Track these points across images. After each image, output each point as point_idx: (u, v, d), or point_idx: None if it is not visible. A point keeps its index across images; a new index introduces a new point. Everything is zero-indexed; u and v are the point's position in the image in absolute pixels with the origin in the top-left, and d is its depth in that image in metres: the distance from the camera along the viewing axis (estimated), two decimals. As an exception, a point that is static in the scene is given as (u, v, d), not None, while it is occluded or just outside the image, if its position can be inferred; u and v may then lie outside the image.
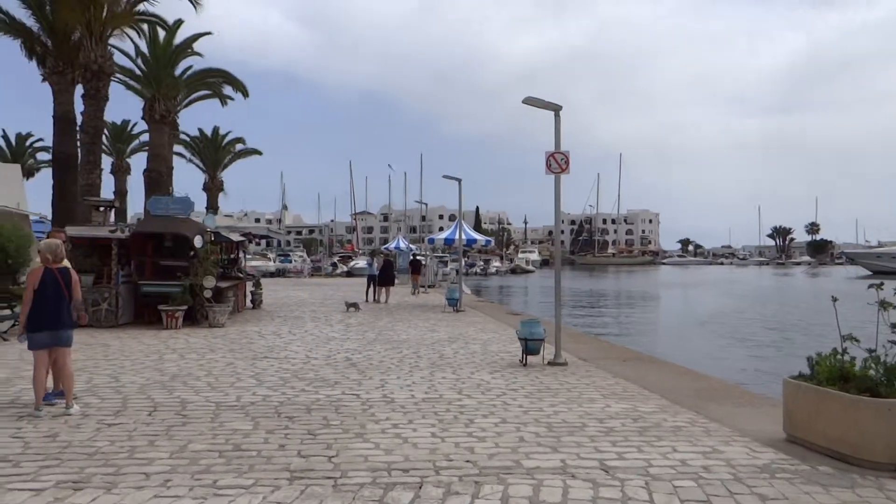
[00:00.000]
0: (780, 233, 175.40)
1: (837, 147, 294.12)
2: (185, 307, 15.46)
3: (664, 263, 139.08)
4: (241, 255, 21.56)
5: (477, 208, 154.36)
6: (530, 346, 10.95)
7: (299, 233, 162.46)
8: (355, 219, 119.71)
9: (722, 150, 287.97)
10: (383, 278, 25.10)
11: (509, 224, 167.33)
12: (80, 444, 6.02)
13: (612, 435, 6.68)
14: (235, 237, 18.76)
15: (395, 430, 6.69)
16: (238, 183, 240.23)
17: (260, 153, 51.06)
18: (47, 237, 7.51)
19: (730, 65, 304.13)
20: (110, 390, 8.41)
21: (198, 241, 15.79)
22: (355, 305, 20.58)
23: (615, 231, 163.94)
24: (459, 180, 21.87)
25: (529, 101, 11.18)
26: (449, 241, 24.49)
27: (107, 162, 47.68)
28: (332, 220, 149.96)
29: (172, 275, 16.12)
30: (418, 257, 33.82)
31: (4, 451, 5.78)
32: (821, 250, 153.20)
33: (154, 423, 6.83)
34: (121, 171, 45.75)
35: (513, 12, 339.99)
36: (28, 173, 47.27)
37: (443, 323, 17.55)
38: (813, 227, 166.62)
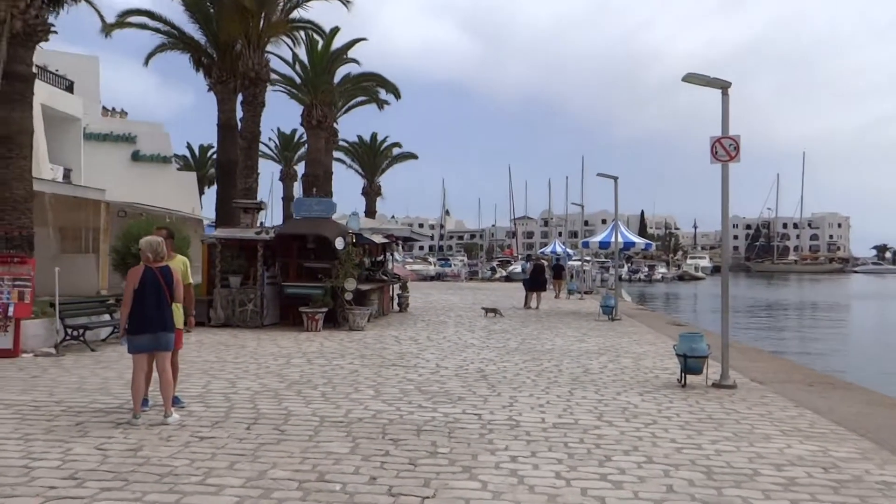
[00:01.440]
0: None
1: None
2: (325, 309, 15.20)
3: (856, 272, 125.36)
4: (387, 257, 21.29)
5: (642, 212, 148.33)
6: (690, 365, 9.32)
7: (461, 237, 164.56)
8: (515, 223, 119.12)
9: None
10: (534, 283, 23.90)
11: (677, 229, 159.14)
12: (158, 462, 5.42)
13: (794, 490, 5.11)
14: (378, 239, 18.41)
15: (511, 466, 5.53)
16: (402, 190, 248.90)
17: (416, 157, 51.74)
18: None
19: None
20: (221, 397, 7.95)
21: (339, 243, 15.48)
22: (495, 311, 19.63)
23: (797, 236, 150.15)
24: (616, 178, 20.20)
25: (691, 79, 9.57)
26: (604, 245, 22.81)
27: (276, 169, 50.51)
28: (492, 225, 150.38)
29: (315, 277, 15.97)
30: (560, 262, 32.97)
31: (79, 466, 5.29)
32: None
33: (247, 439, 6.16)
34: (289, 178, 48.08)
35: (679, 9, 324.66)
36: (210, 181, 50.93)
37: (594, 332, 16.06)
38: None
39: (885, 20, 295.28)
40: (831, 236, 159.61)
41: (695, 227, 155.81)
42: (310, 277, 16.10)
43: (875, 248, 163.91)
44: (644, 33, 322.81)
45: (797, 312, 38.94)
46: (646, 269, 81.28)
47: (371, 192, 49.26)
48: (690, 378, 9.40)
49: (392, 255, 23.18)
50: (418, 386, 8.92)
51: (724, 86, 9.34)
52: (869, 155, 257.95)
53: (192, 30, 23.93)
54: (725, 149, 9.15)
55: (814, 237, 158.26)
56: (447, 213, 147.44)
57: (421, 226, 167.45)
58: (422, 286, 39.78)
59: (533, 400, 8.17)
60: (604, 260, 55.50)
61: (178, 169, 44.86)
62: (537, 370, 10.40)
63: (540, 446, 6.15)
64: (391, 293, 20.74)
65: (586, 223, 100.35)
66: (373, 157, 48.83)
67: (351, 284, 15.52)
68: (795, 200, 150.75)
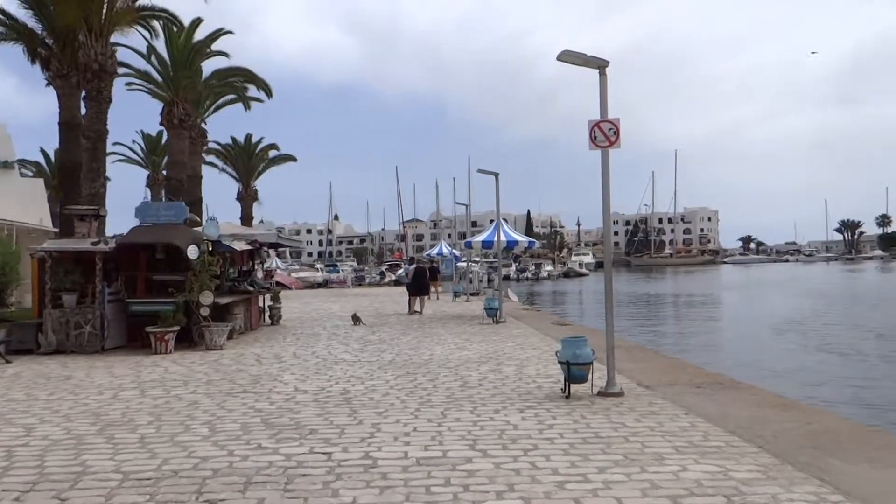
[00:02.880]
0: (849, 227, 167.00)
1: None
2: (176, 328, 13.44)
3: (725, 262, 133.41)
4: (255, 266, 19.57)
5: (528, 212, 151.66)
6: (574, 373, 8.45)
7: (350, 242, 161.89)
8: (404, 226, 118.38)
9: (785, 144, 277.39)
10: (416, 287, 22.84)
11: (562, 227, 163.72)
12: None
13: (698, 535, 4.19)
14: (239, 246, 16.71)
15: (353, 530, 4.32)
16: (288, 196, 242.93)
17: (294, 159, 49.58)
18: None
19: (787, 58, 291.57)
20: (3, 453, 6.28)
21: (192, 252, 13.77)
22: (357, 319, 18.61)
23: (672, 231, 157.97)
24: (496, 175, 19.45)
25: (566, 57, 8.72)
26: (487, 244, 22.06)
27: (143, 174, 47.18)
28: (382, 229, 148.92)
29: (166, 291, 14.14)
30: (434, 264, 32.55)
31: None
32: (893, 244, 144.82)
33: (6, 517, 4.63)
34: (157, 184, 44.79)
35: (560, 17, 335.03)
36: (67, 190, 46.78)
37: (477, 337, 15.14)
38: (884, 220, 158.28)
39: (732, 37, 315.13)
40: (702, 229, 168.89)
41: (578, 224, 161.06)
42: (161, 292, 14.25)
43: (741, 239, 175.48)
44: (526, 39, 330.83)
45: (674, 305, 40.04)
46: (533, 267, 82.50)
47: (247, 197, 46.63)
48: (575, 387, 8.54)
49: (262, 263, 21.45)
50: (266, 418, 7.55)
51: (601, 65, 8.55)
52: (730, 153, 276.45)
53: (26, 16, 21.25)
54: (605, 133, 8.35)
55: (687, 231, 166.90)
56: (336, 217, 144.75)
57: (309, 231, 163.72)
58: (305, 294, 37.99)
59: (398, 428, 7.00)
60: (492, 260, 55.42)
61: (31, 175, 40.85)
62: (410, 387, 9.26)
63: (395, 496, 4.97)
64: (261, 305, 19.07)
65: (475, 224, 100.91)
66: (248, 160, 46.25)
67: (207, 298, 13.83)
68: (670, 197, 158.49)
